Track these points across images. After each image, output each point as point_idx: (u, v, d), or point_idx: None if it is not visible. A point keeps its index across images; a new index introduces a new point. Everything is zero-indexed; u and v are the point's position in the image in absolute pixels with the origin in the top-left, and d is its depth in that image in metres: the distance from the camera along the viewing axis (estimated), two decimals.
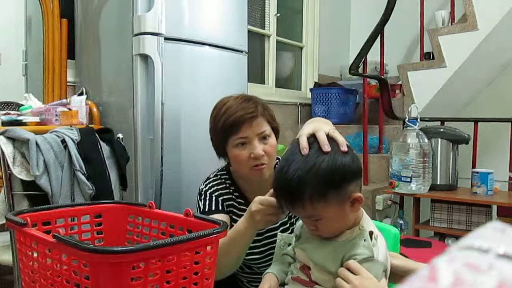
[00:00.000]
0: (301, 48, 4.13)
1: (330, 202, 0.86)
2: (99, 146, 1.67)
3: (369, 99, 3.50)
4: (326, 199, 0.85)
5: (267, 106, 1.27)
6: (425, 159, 2.56)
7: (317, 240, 0.93)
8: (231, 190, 1.31)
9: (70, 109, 1.99)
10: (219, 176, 1.33)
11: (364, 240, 0.89)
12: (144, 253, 0.73)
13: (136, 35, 1.99)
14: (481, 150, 3.09)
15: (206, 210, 1.26)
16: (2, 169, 1.49)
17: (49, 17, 2.20)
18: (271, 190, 0.98)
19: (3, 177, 1.50)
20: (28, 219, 0.81)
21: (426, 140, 2.59)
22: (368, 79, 3.45)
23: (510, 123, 3.03)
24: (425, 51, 3.70)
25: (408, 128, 2.60)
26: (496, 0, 3.22)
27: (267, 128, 1.22)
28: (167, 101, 2.00)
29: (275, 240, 1.12)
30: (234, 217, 1.28)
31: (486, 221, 2.18)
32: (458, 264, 0.25)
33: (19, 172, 1.48)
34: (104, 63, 2.21)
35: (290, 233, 1.09)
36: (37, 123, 1.89)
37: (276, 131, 1.27)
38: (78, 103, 2.05)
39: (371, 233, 0.89)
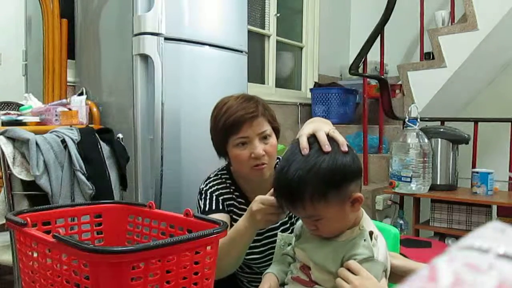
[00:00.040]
0: (301, 48, 4.13)
1: (330, 202, 0.86)
2: (99, 146, 1.67)
3: (369, 99, 3.50)
4: (326, 199, 0.85)
5: (267, 106, 1.27)
6: (425, 159, 2.56)
7: (317, 240, 0.93)
8: (231, 190, 1.31)
9: (70, 109, 1.99)
10: (219, 175, 1.34)
11: (364, 240, 0.89)
12: (144, 253, 0.73)
13: (136, 35, 1.99)
14: (481, 150, 3.09)
15: (207, 209, 1.26)
16: (2, 169, 1.49)
17: (49, 17, 2.20)
18: (272, 190, 0.98)
19: (3, 177, 1.50)
20: (28, 219, 0.81)
21: (426, 140, 2.59)
22: (368, 79, 3.45)
23: (510, 123, 3.03)
24: (425, 51, 3.70)
25: (408, 128, 2.60)
26: (496, 0, 3.22)
27: (267, 128, 1.22)
28: (167, 101, 2.00)
29: (275, 240, 1.12)
30: (234, 216, 1.28)
31: (486, 221, 2.18)
32: (458, 264, 0.25)
33: (19, 172, 1.48)
34: (104, 63, 2.21)
35: (290, 233, 1.09)
36: (37, 123, 1.89)
37: (276, 131, 1.27)
38: (78, 103, 2.05)
39: (371, 233, 0.90)
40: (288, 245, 1.04)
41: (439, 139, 2.77)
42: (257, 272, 1.29)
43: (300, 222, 1.00)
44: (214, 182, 1.32)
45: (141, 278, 0.75)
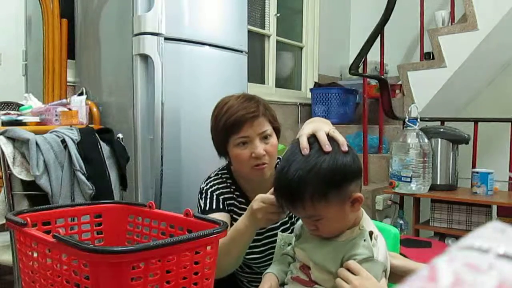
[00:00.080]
0: (301, 48, 4.13)
1: (330, 202, 0.86)
2: (99, 146, 1.67)
3: (369, 99, 3.50)
4: (327, 199, 0.85)
5: (268, 106, 1.27)
6: (425, 159, 2.56)
7: (317, 240, 0.93)
8: (232, 189, 1.31)
9: (70, 109, 1.99)
10: (220, 175, 1.34)
11: (364, 240, 0.89)
12: (144, 253, 0.73)
13: (136, 35, 1.99)
14: (481, 150, 3.09)
15: (207, 208, 1.26)
16: (2, 169, 1.49)
17: (49, 17, 2.20)
18: (273, 189, 0.98)
19: (3, 177, 1.50)
20: (28, 219, 0.81)
21: (426, 140, 2.59)
22: (368, 79, 3.45)
23: (510, 123, 3.03)
24: (425, 51, 3.70)
25: (408, 128, 2.60)
26: (496, 0, 3.22)
27: (268, 128, 1.22)
28: (167, 101, 2.00)
29: (276, 240, 1.12)
30: (234, 216, 1.28)
31: (486, 221, 2.18)
32: (458, 264, 0.25)
33: (19, 172, 1.48)
34: (104, 63, 2.21)
35: (291, 232, 1.09)
36: (37, 123, 1.89)
37: (277, 131, 1.27)
38: (78, 103, 2.05)
39: (371, 233, 0.89)
40: (288, 245, 1.04)
41: (439, 139, 2.77)
42: (257, 272, 1.29)
43: (300, 222, 1.00)
44: (215, 182, 1.32)
45: (141, 278, 0.75)
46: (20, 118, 1.84)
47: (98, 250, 0.72)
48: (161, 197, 1.99)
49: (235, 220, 1.19)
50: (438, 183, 2.76)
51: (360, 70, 3.24)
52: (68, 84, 2.29)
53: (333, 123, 1.01)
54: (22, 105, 1.92)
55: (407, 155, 2.56)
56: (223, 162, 1.36)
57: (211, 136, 1.29)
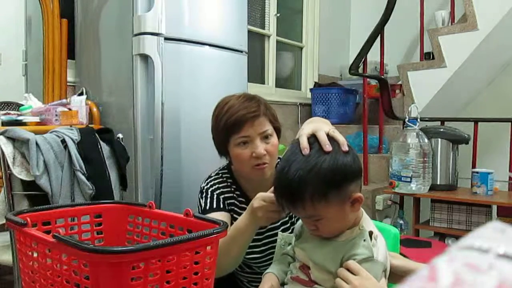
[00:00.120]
0: (301, 48, 4.13)
1: (330, 202, 0.86)
2: (99, 146, 1.67)
3: (369, 99, 3.50)
4: (327, 199, 0.85)
5: (269, 105, 1.27)
6: (425, 159, 2.56)
7: (317, 240, 0.93)
8: (232, 189, 1.31)
9: (70, 109, 1.99)
10: (220, 174, 1.34)
11: (364, 240, 0.89)
12: (144, 253, 0.73)
13: (136, 35, 1.99)
14: (481, 150, 3.09)
15: (207, 208, 1.26)
16: (2, 169, 1.49)
17: (49, 17, 2.20)
18: (273, 188, 0.98)
19: (3, 177, 1.50)
20: (28, 219, 0.81)
21: (426, 140, 2.59)
22: (368, 79, 3.45)
23: (510, 123, 3.03)
24: (425, 51, 3.70)
25: (408, 128, 2.60)
26: (496, 0, 3.22)
27: (269, 128, 1.22)
28: (167, 101, 2.00)
29: (276, 240, 1.12)
30: (235, 215, 1.28)
31: (486, 221, 2.18)
32: (458, 264, 0.25)
33: (19, 172, 1.48)
34: (104, 63, 2.21)
35: (291, 232, 1.09)
36: (37, 123, 1.89)
37: (278, 130, 1.27)
38: (78, 103, 2.05)
39: (371, 233, 0.89)
40: (289, 245, 1.04)
41: (439, 139, 2.77)
42: (257, 272, 1.29)
43: (300, 221, 1.00)
44: (215, 181, 1.32)
45: (141, 278, 0.75)
46: (20, 118, 1.84)
47: (98, 250, 0.72)
48: (161, 197, 1.99)
49: (235, 219, 1.19)
50: (438, 183, 2.76)
51: (360, 70, 3.24)
52: (68, 84, 2.29)
53: (333, 123, 1.01)
54: (22, 105, 1.92)
55: (407, 155, 2.56)
56: (223, 162, 1.36)
57: (212, 136, 1.29)
